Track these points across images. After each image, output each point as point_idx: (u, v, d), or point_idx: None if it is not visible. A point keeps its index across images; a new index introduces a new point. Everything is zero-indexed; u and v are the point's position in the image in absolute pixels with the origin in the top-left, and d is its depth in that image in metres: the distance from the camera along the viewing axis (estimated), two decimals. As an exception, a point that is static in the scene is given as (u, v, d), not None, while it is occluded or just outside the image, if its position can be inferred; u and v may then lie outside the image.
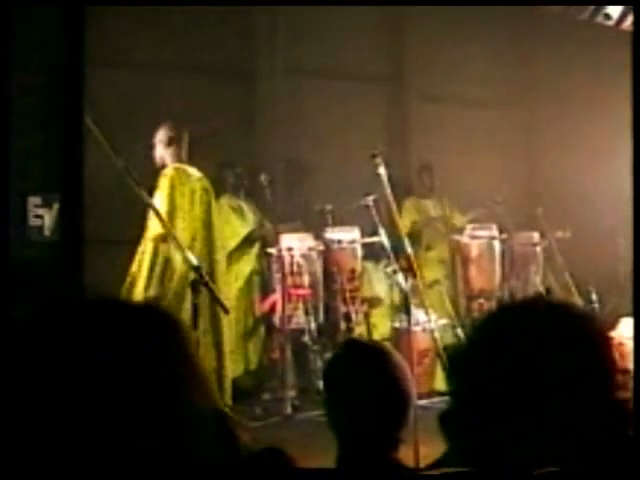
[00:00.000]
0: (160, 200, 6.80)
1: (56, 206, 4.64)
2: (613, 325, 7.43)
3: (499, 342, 1.69)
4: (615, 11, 11.46)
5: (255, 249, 8.58)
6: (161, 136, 7.32)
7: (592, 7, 11.22)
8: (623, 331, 7.22)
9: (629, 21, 11.60)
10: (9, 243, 4.49)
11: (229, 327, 7.53)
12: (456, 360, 1.79)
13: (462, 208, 9.66)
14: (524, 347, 1.65)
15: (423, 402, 6.58)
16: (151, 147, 7.33)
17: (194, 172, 7.31)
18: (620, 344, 7.18)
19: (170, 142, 7.25)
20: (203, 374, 1.50)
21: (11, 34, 4.27)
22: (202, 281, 5.19)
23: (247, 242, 8.52)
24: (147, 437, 1.36)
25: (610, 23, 11.46)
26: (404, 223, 8.66)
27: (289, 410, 7.47)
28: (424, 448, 5.19)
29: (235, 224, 8.47)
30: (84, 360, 1.35)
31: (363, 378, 2.66)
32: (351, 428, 2.65)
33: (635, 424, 1.88)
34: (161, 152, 7.29)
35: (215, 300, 5.88)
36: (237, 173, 8.68)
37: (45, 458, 1.29)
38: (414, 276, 6.32)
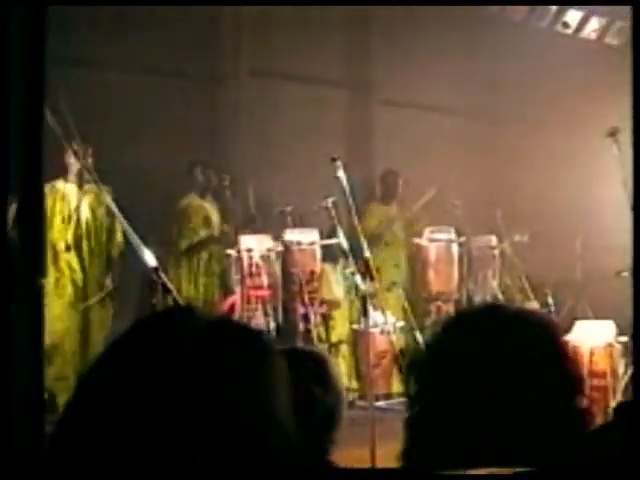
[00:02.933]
0: None
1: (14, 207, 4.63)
2: (568, 328, 7.54)
3: (457, 347, 1.71)
4: (573, 20, 11.61)
5: (216, 250, 8.58)
6: None
7: (552, 15, 11.35)
8: (579, 334, 7.33)
9: (587, 30, 11.75)
10: (9, 243, 4.48)
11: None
12: (416, 365, 1.79)
13: (422, 211, 9.73)
14: (482, 353, 1.67)
15: (380, 403, 6.63)
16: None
17: None
18: (575, 347, 7.30)
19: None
20: None
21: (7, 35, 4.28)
22: (160, 281, 5.19)
23: (209, 243, 8.53)
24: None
25: (568, 31, 11.60)
26: (367, 225, 8.72)
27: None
28: (381, 449, 5.25)
29: (196, 225, 8.48)
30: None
31: (305, 384, 2.68)
32: (286, 431, 2.67)
33: (635, 422, 1.92)
34: None
35: (174, 302, 5.88)
36: (205, 174, 8.68)
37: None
38: (372, 278, 6.37)
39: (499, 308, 1.84)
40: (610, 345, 7.26)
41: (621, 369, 7.24)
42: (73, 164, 7.40)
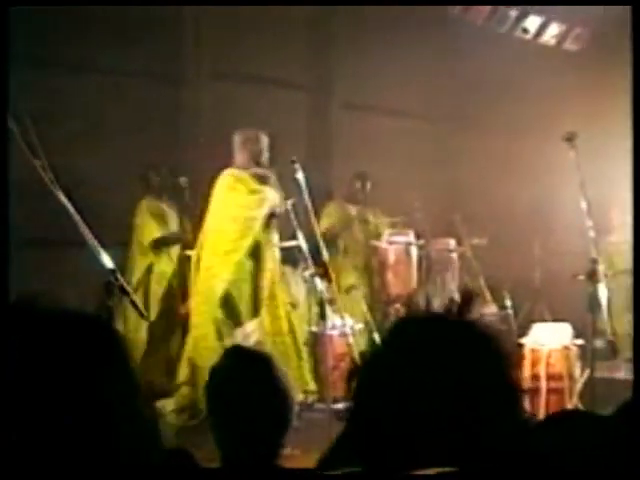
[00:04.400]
0: None
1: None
2: (526, 331, 7.59)
3: (401, 355, 1.72)
4: (533, 25, 11.71)
5: (175, 251, 8.56)
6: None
7: (512, 20, 11.44)
8: (536, 337, 7.38)
9: (547, 35, 11.86)
10: (8, 243, 4.46)
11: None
12: (357, 371, 1.81)
13: (384, 214, 9.75)
14: (426, 361, 1.69)
15: (339, 406, 6.63)
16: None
17: None
18: (532, 350, 7.35)
19: None
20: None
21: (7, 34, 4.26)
22: (117, 284, 5.16)
23: (166, 244, 8.50)
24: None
25: (528, 37, 11.70)
26: (323, 224, 8.73)
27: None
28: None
29: (151, 226, 8.44)
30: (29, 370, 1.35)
31: (247, 383, 2.68)
32: (235, 434, 2.67)
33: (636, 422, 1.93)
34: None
35: (132, 304, 5.86)
36: (162, 175, 8.65)
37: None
38: (330, 281, 6.39)
39: (440, 318, 1.84)
40: (567, 348, 7.32)
41: (577, 371, 7.30)
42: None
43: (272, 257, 7.45)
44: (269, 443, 2.66)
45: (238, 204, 7.32)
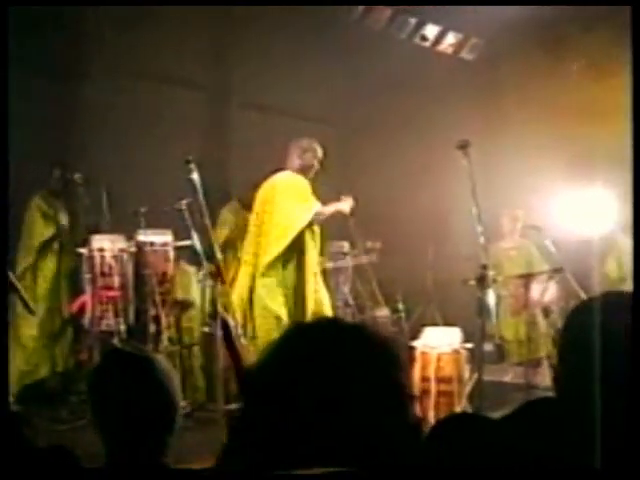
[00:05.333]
0: None
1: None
2: (417, 334, 7.70)
3: (291, 358, 1.73)
4: (432, 33, 11.87)
5: (64, 249, 8.43)
6: None
7: (411, 27, 11.58)
8: (427, 340, 7.50)
9: (444, 44, 12.04)
10: (7, 244, 4.37)
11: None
12: (254, 373, 1.81)
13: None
14: (315, 364, 1.70)
15: (231, 406, 6.64)
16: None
17: None
18: (423, 353, 7.46)
19: None
20: None
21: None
22: (7, 281, 5.11)
23: (54, 242, 8.38)
24: None
25: (427, 44, 11.86)
26: (222, 228, 8.72)
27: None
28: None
29: (40, 224, 8.32)
30: None
31: (127, 385, 2.67)
32: (118, 435, 2.66)
33: (629, 429, 1.97)
34: None
35: (21, 300, 5.80)
36: (56, 172, 8.53)
37: None
38: (222, 282, 6.38)
39: (331, 321, 1.86)
40: (456, 351, 7.44)
41: (466, 375, 7.43)
42: None
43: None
44: (152, 443, 2.65)
45: (303, 208, 7.51)
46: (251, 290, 7.39)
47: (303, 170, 7.65)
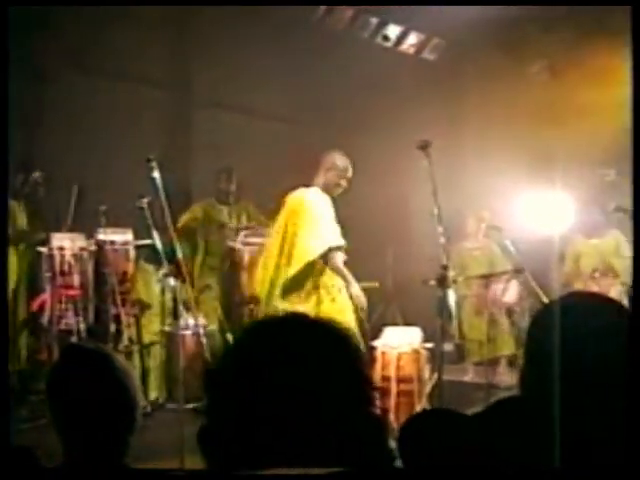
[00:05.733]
0: None
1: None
2: (377, 334, 7.71)
3: (251, 359, 1.72)
4: (393, 33, 11.90)
5: (22, 248, 8.37)
6: None
7: (373, 27, 11.60)
8: (387, 340, 7.51)
9: (406, 44, 12.08)
10: (7, 244, 4.32)
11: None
12: (210, 374, 1.80)
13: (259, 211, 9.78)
14: (278, 362, 1.69)
15: (191, 405, 6.62)
16: None
17: None
18: (383, 353, 7.47)
19: None
20: None
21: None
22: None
23: (14, 241, 8.31)
24: None
25: (388, 44, 11.89)
26: (185, 226, 8.71)
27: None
28: (190, 451, 5.23)
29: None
30: None
31: (85, 382, 2.64)
32: (77, 433, 2.64)
33: (630, 432, 1.97)
34: None
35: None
36: (20, 176, 8.46)
37: None
38: (183, 280, 6.37)
39: (294, 319, 1.86)
40: (416, 351, 7.47)
41: (426, 374, 7.46)
42: None
43: None
44: (112, 442, 2.63)
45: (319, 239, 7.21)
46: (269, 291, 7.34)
47: (327, 189, 7.35)
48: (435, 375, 7.08)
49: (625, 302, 9.59)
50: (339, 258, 7.10)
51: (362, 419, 1.71)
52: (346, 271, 7.12)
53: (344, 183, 7.39)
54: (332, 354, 1.74)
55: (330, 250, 7.05)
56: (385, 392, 7.19)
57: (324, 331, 1.79)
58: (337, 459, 1.65)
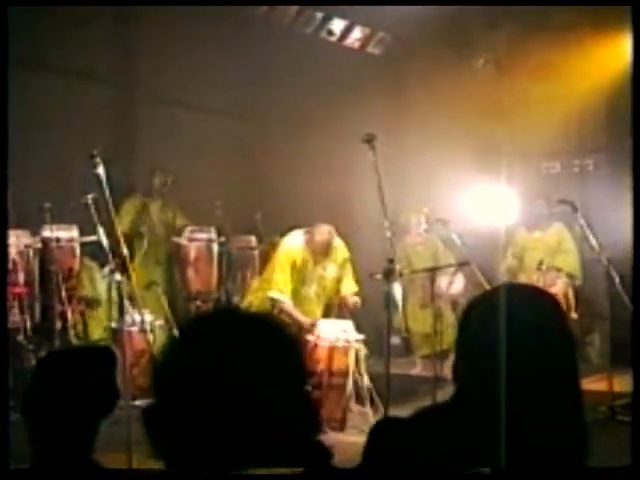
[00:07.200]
0: None
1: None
2: (313, 327, 7.70)
3: (198, 351, 1.74)
4: (338, 28, 11.92)
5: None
6: None
7: (318, 22, 11.62)
8: (320, 333, 7.51)
9: (351, 38, 12.11)
10: (7, 244, 4.25)
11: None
12: (161, 368, 1.82)
13: (185, 211, 9.76)
14: (222, 356, 1.71)
15: (138, 402, 6.59)
16: None
17: None
18: (316, 345, 7.48)
19: None
20: None
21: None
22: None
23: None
24: None
25: (333, 39, 11.91)
26: (123, 222, 8.65)
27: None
28: (137, 449, 5.30)
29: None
30: None
31: (50, 381, 2.63)
32: (44, 431, 2.62)
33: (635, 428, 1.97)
34: None
35: None
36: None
37: None
38: (129, 277, 6.34)
39: (234, 313, 1.88)
40: (349, 344, 7.46)
41: (358, 367, 7.47)
42: None
43: None
44: (77, 440, 2.61)
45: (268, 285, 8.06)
46: None
47: (308, 246, 8.02)
48: (363, 367, 7.22)
49: (570, 295, 9.72)
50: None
51: (298, 410, 1.73)
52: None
53: (321, 249, 8.03)
54: (268, 345, 1.76)
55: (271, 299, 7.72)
56: (317, 385, 7.17)
57: (260, 324, 1.81)
58: (273, 448, 1.68)
